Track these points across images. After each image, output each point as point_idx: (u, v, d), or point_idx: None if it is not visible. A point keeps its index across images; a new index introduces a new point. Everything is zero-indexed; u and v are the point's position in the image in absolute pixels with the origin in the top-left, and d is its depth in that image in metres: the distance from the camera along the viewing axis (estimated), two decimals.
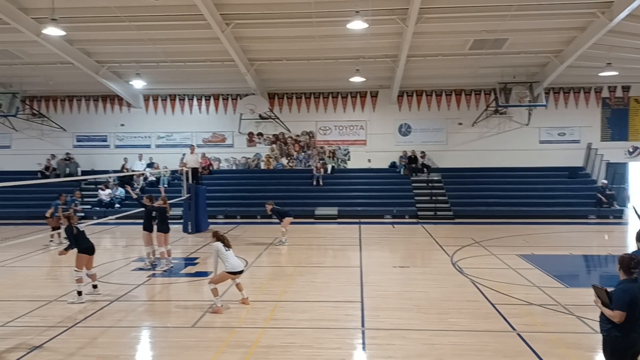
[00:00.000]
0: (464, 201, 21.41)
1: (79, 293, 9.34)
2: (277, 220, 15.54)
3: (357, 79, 20.98)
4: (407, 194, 22.07)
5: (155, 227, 12.26)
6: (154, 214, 12.26)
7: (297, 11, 15.77)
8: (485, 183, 22.42)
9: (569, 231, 17.72)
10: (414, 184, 22.57)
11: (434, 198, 21.58)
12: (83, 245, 9.55)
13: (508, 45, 18.58)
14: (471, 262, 12.45)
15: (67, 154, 24.14)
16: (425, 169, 23.05)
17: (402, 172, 23.30)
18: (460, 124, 23.58)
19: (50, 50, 17.77)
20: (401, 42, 17.63)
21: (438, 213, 20.72)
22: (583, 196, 21.22)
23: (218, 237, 8.99)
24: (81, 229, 9.74)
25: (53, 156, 23.98)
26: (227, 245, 8.90)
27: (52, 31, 14.73)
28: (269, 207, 15.21)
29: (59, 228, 14.53)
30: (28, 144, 24.49)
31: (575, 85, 22.93)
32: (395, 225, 19.12)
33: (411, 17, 15.33)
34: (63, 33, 15.27)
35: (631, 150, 23.21)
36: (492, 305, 8.85)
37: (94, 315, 8.52)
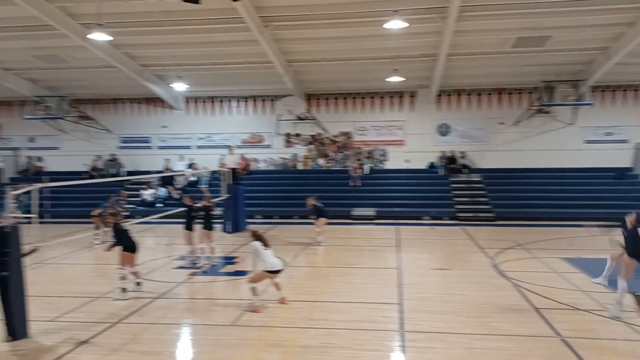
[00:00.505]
0: (505, 202, 20.93)
1: (124, 290, 9.62)
2: (312, 221, 15.57)
3: (395, 79, 20.82)
4: (446, 194, 21.75)
5: (197, 226, 12.57)
6: (199, 213, 12.59)
7: (335, 12, 15.78)
8: (528, 184, 21.86)
9: (617, 234, 17.06)
10: (453, 185, 22.23)
11: (474, 199, 21.19)
12: (127, 244, 9.83)
13: (551, 42, 18.06)
14: (513, 265, 12.16)
15: (112, 155, 24.89)
16: (464, 170, 22.67)
17: (441, 173, 22.98)
18: (501, 123, 23.08)
19: (96, 54, 18.36)
20: (440, 40, 17.39)
21: (478, 214, 20.34)
22: (631, 198, 20.35)
23: (256, 236, 9.07)
24: (125, 228, 10.02)
25: (99, 157, 24.77)
26: (265, 244, 8.98)
27: (99, 36, 15.24)
28: (310, 202, 15.26)
29: (105, 227, 15.02)
30: (75, 146, 25.39)
31: (624, 83, 22.08)
32: (434, 227, 18.86)
33: (451, 15, 15.11)
34: (109, 38, 15.76)
35: None
36: (536, 309, 8.62)
37: (137, 312, 8.75)
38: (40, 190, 9.06)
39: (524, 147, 22.82)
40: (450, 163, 22.88)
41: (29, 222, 8.61)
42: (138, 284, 10.05)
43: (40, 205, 12.03)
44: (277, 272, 8.95)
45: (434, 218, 20.28)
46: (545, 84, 21.08)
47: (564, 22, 16.44)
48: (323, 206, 15.54)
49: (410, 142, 23.76)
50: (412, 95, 23.67)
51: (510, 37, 17.73)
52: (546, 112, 22.40)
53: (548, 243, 15.21)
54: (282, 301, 9.03)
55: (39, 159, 25.66)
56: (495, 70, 21.03)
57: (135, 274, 10.07)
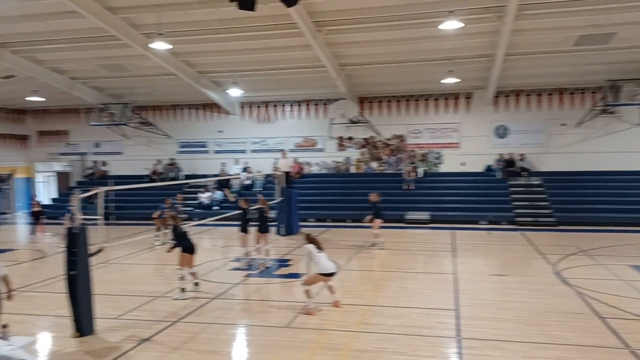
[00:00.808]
0: (568, 207, 20.08)
1: (182, 290, 9.93)
2: (367, 224, 15.47)
3: (450, 80, 20.44)
4: (504, 198, 21.12)
5: (252, 229, 12.84)
6: (253, 215, 12.88)
7: (388, 14, 15.68)
8: (591, 187, 20.88)
9: None
10: (511, 189, 21.55)
11: (534, 203, 20.46)
12: (186, 245, 10.14)
13: (616, 39, 17.18)
14: (576, 272, 11.65)
15: (172, 159, 25.77)
16: (524, 173, 21.94)
17: (498, 176, 22.34)
18: (563, 124, 22.18)
19: (156, 62, 19.07)
20: (497, 40, 16.93)
21: (539, 219, 19.62)
22: None
23: (310, 239, 9.14)
24: (185, 230, 10.35)
25: (159, 161, 25.70)
26: (319, 247, 9.02)
27: (159, 45, 15.85)
28: (373, 198, 15.14)
29: (164, 228, 15.58)
30: (137, 150, 26.47)
31: None
32: (491, 231, 18.35)
33: (508, 14, 14.68)
34: (169, 46, 16.36)
35: None
36: (601, 318, 8.22)
37: (195, 311, 9.01)
38: (106, 194, 9.50)
39: (587, 149, 21.82)
40: (509, 166, 22.20)
41: (95, 224, 9.06)
42: (196, 284, 10.35)
43: (106, 208, 12.63)
44: (330, 275, 8.98)
45: (491, 222, 19.72)
46: (611, 83, 20.08)
47: (631, 18, 15.59)
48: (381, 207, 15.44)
49: (466, 145, 23.25)
50: (468, 96, 23.16)
51: (572, 35, 17.02)
52: (611, 113, 21.34)
53: (614, 249, 14.47)
54: (335, 304, 9.05)
55: (104, 163, 26.92)
56: (556, 70, 20.24)
57: (193, 274, 10.37)
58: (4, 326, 6.60)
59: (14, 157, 27.26)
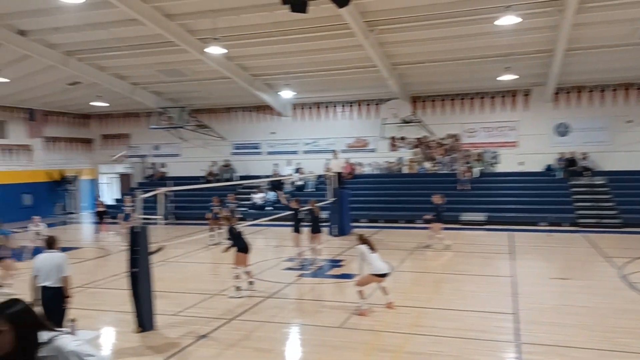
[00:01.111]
0: (634, 207, 19.04)
1: (238, 288, 10.13)
2: (423, 225, 15.24)
3: (506, 78, 19.84)
4: (566, 199, 20.27)
5: (305, 229, 12.98)
6: (305, 216, 13.04)
7: (441, 12, 15.40)
8: None
9: None
10: (573, 189, 20.67)
11: (597, 204, 19.53)
12: (241, 245, 10.35)
13: None
14: None
15: (226, 160, 26.36)
16: (586, 172, 20.98)
17: (559, 176, 21.48)
18: (629, 121, 21.04)
19: (212, 67, 19.58)
20: (557, 35, 16.28)
21: (602, 221, 18.71)
22: None
23: (362, 239, 9.11)
24: (239, 230, 10.57)
25: (214, 163, 26.35)
26: (371, 247, 8.98)
27: (214, 49, 16.27)
28: (438, 200, 14.90)
29: (218, 228, 15.96)
30: (194, 153, 27.25)
31: None
32: (551, 233, 17.66)
33: (569, 7, 14.09)
34: (223, 51, 16.76)
35: None
36: None
37: (250, 310, 9.18)
38: (165, 194, 9.83)
39: None
40: (570, 165, 21.29)
41: (156, 223, 9.39)
42: (251, 283, 10.54)
43: (165, 208, 13.08)
44: (383, 275, 8.92)
45: (551, 224, 18.98)
46: None
47: None
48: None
49: (524, 144, 22.48)
50: (526, 94, 22.40)
51: (638, 27, 16.14)
52: None
53: None
54: (389, 306, 8.98)
55: (163, 165, 27.89)
56: (621, 64, 19.24)
57: (248, 273, 10.56)
58: (72, 320, 6.95)
59: (79, 160, 28.73)
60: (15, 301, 2.77)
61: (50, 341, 2.67)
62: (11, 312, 2.67)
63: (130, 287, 8.16)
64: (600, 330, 7.68)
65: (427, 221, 15.27)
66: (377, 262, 8.88)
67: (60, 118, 27.74)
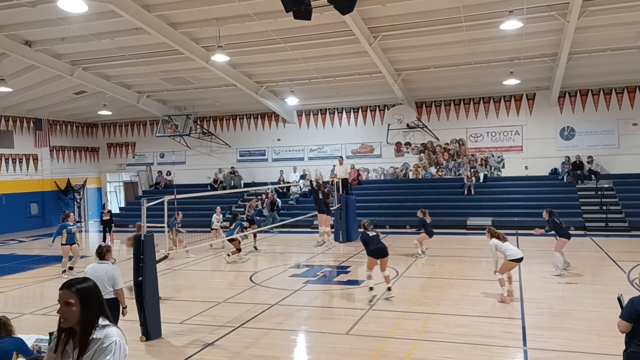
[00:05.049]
0: None
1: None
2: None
3: (511, 82, 19.81)
4: (572, 203, 20.16)
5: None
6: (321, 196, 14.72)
7: (444, 17, 15.42)
8: None
9: None
10: (579, 193, 20.56)
11: (604, 208, 19.41)
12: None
13: None
14: None
15: (232, 167, 26.42)
16: (593, 176, 20.87)
17: (565, 180, 21.38)
18: (635, 124, 20.95)
19: (217, 74, 19.66)
20: (561, 39, 16.27)
21: (610, 224, 18.59)
22: None
23: (493, 234, 9.98)
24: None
25: (220, 170, 26.41)
26: (502, 239, 9.86)
27: (219, 57, 16.36)
28: (421, 214, 14.81)
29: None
30: (199, 160, 27.33)
31: None
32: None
33: (573, 11, 14.07)
34: (227, 58, 16.83)
35: None
36: None
37: (256, 317, 9.15)
38: (172, 202, 9.85)
39: None
40: (576, 169, 21.20)
41: (162, 231, 9.40)
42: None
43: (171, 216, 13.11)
44: (519, 260, 9.69)
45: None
46: None
47: None
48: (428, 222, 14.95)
49: (529, 148, 22.41)
50: (531, 98, 22.35)
51: None
52: None
53: None
54: (510, 294, 9.59)
55: (169, 172, 27.97)
56: (626, 67, 19.18)
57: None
58: None
59: (86, 168, 28.87)
60: (86, 279, 3.02)
61: (104, 327, 2.93)
62: (81, 287, 2.92)
63: (136, 295, 8.15)
64: (610, 335, 7.58)
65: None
66: (511, 249, 9.70)
67: (67, 127, 27.92)
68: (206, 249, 16.58)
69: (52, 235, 13.89)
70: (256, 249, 16.50)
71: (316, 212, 17.08)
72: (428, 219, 14.75)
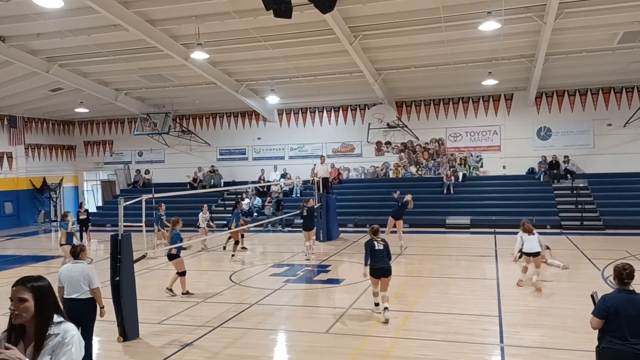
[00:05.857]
0: (615, 210, 19.35)
1: None
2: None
3: (489, 82, 20.06)
4: (549, 202, 20.51)
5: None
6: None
7: (424, 17, 15.53)
8: None
9: None
10: (555, 192, 20.92)
11: (580, 207, 19.79)
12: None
13: None
14: None
15: (212, 166, 26.22)
16: (569, 175, 21.25)
17: (541, 179, 21.73)
18: (609, 124, 21.40)
19: (196, 72, 19.48)
20: (539, 40, 16.52)
21: (585, 223, 18.95)
22: None
23: (525, 227, 10.74)
24: None
25: (200, 169, 26.19)
26: (530, 232, 10.64)
27: (198, 55, 16.23)
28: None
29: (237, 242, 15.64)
30: (178, 159, 27.07)
31: None
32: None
33: (550, 13, 14.29)
34: (207, 56, 16.71)
35: None
36: None
37: (236, 317, 9.10)
38: (151, 201, 9.74)
39: (636, 150, 20.96)
40: (552, 168, 21.56)
41: (140, 231, 9.28)
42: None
43: (148, 215, 12.95)
44: (531, 254, 10.48)
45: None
46: None
47: None
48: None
49: (507, 148, 22.72)
50: (509, 98, 22.66)
51: (617, 32, 16.43)
52: None
53: None
54: (534, 284, 10.30)
55: (147, 171, 27.64)
56: (601, 69, 19.57)
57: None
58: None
59: (62, 167, 28.37)
60: (41, 277, 3.04)
61: (60, 323, 2.98)
62: (36, 285, 2.95)
63: (113, 295, 8.04)
64: (584, 331, 7.69)
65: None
66: (528, 243, 10.55)
67: (42, 125, 27.39)
68: (196, 248, 16.35)
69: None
70: (245, 248, 16.47)
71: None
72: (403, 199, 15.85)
